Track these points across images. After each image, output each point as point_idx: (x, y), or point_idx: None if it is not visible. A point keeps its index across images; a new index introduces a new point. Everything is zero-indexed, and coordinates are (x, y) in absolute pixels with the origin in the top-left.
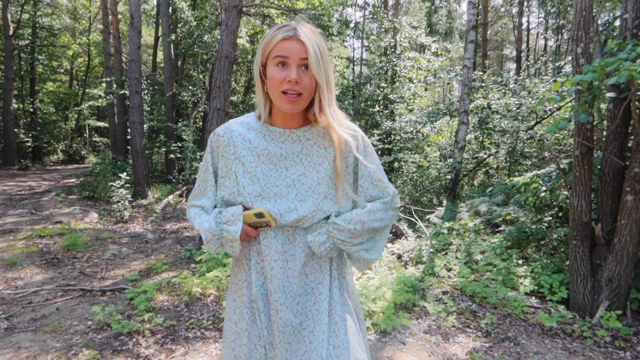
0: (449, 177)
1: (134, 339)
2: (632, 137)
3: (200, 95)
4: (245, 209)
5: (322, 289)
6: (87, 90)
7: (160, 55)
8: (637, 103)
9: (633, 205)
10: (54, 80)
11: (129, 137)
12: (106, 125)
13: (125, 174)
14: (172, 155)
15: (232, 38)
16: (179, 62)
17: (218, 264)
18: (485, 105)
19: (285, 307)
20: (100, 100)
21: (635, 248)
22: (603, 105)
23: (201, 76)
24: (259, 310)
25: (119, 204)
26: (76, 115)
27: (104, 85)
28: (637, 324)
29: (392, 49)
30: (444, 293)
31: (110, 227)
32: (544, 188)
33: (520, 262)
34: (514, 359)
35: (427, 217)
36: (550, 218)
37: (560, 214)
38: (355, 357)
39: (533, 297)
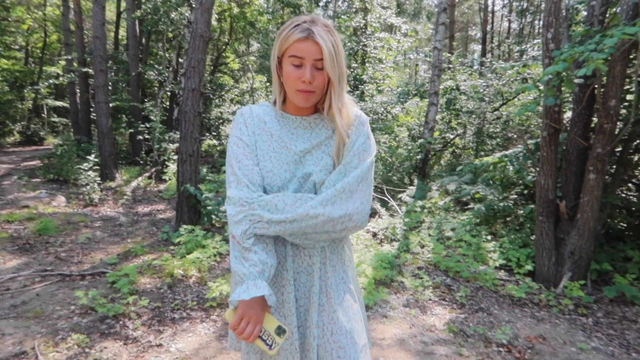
0: (419, 157)
1: (121, 322)
2: (595, 120)
3: (167, 74)
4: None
5: (321, 272)
6: (44, 68)
7: (122, 32)
8: (600, 89)
9: (595, 184)
10: (7, 58)
11: (92, 116)
12: (65, 105)
13: (93, 155)
14: (141, 137)
15: (207, 16)
16: (143, 40)
17: (197, 246)
18: (454, 87)
19: (296, 287)
20: (61, 79)
21: (596, 223)
22: (563, 89)
23: (167, 54)
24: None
25: (88, 187)
26: (33, 95)
27: (61, 63)
28: (597, 293)
29: (363, 29)
30: (419, 268)
31: (81, 211)
32: (511, 167)
33: (489, 237)
34: (488, 328)
35: (399, 196)
36: (516, 196)
37: (525, 191)
38: (355, 343)
39: (502, 271)
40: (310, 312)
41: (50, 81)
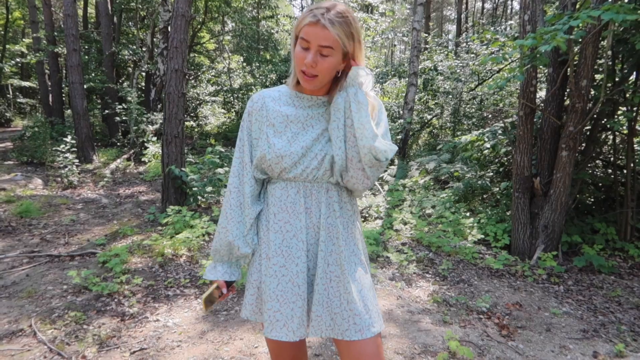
0: (399, 137)
1: (116, 299)
2: (568, 99)
3: (142, 54)
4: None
5: (334, 247)
6: (7, 46)
7: (90, 10)
8: (573, 70)
9: (567, 160)
10: None
11: (64, 97)
12: (33, 85)
13: (70, 137)
14: (118, 118)
15: None
16: (115, 18)
17: (186, 226)
18: (432, 67)
19: (309, 257)
20: (28, 58)
21: (567, 198)
22: (539, 70)
23: (141, 34)
24: (279, 265)
25: (66, 169)
26: None
27: (25, 40)
28: (567, 263)
29: None
30: (403, 244)
31: (61, 193)
32: (487, 145)
33: (467, 214)
34: (469, 297)
35: (381, 175)
36: (492, 174)
37: (501, 169)
38: (369, 309)
39: (480, 245)
40: (318, 279)
41: (17, 60)
